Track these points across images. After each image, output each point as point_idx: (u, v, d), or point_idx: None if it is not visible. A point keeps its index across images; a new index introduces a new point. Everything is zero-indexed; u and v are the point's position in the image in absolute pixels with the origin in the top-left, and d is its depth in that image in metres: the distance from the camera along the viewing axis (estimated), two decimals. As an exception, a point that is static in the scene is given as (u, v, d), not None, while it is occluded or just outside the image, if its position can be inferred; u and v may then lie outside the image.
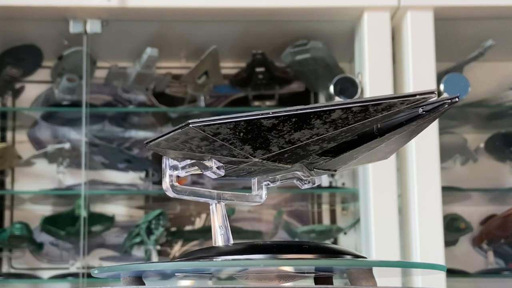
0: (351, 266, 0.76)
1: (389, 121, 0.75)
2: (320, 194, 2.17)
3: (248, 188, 0.87)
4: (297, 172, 0.83)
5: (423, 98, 0.69)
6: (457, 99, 0.71)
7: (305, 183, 0.86)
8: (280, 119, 0.70)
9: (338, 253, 0.79)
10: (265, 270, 0.81)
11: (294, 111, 0.70)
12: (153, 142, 0.74)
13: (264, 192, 0.87)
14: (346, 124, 0.71)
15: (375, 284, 0.76)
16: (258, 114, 0.70)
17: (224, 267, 0.80)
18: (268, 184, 0.87)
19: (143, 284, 0.81)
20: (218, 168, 0.76)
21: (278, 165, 0.77)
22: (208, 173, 0.76)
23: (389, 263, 0.77)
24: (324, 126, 0.71)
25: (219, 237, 0.82)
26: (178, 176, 0.79)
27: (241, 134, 0.71)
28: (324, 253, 0.78)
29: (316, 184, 0.86)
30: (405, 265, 0.76)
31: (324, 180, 2.17)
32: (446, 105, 0.72)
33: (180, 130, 0.70)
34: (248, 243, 0.80)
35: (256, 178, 0.85)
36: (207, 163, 0.76)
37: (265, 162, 0.76)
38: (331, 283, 0.88)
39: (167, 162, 0.78)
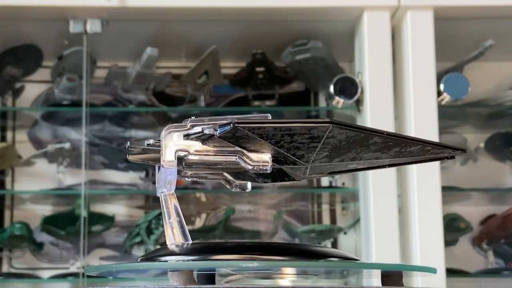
0: (301, 267, 0.73)
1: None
2: (320, 194, 2.17)
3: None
4: (226, 174, 0.77)
5: (456, 154, 0.78)
6: (454, 157, 0.78)
7: (234, 187, 0.79)
8: (386, 139, 0.69)
9: (287, 253, 0.74)
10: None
11: (401, 137, 0.70)
12: (255, 125, 0.67)
13: None
14: (402, 156, 0.72)
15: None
16: (379, 131, 0.69)
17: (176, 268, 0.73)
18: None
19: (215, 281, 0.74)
20: (268, 164, 0.70)
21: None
22: (250, 167, 0.71)
23: (376, 265, 0.74)
24: (393, 153, 0.71)
25: (173, 232, 0.73)
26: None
27: (345, 143, 0.68)
28: (262, 253, 0.73)
29: (248, 190, 0.80)
30: (394, 267, 0.74)
31: (324, 180, 2.17)
32: (445, 159, 0.79)
33: (311, 124, 0.66)
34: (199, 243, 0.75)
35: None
36: (261, 156, 0.70)
37: (306, 169, 0.73)
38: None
39: (172, 142, 0.71)
